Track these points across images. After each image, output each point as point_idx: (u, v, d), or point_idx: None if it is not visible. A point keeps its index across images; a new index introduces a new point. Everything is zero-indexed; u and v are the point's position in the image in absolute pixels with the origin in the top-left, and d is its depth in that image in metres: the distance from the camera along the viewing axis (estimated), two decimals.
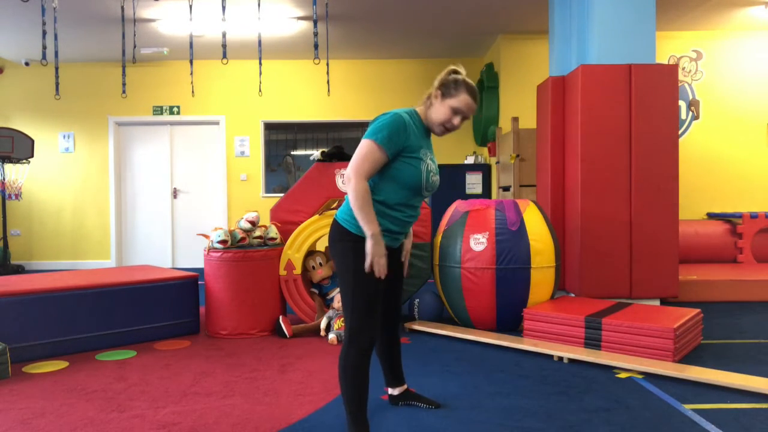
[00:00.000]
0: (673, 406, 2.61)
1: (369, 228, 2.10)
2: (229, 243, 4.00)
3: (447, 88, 2.21)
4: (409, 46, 7.52)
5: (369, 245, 2.10)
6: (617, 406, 2.62)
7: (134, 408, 2.65)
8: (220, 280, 3.97)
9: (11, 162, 7.25)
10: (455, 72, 2.27)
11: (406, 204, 2.23)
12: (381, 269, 2.12)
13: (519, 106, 6.94)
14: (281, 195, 6.77)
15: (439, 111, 2.22)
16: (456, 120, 2.23)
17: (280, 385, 2.97)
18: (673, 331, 3.12)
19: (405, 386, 2.66)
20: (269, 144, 8.33)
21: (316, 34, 5.11)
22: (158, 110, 8.17)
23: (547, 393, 2.81)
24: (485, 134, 7.39)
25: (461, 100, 2.20)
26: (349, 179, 2.10)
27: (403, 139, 2.13)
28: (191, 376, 3.13)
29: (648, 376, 3.03)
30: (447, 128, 2.25)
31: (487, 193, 7.41)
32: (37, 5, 5.49)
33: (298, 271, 4.12)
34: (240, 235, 4.06)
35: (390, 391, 2.66)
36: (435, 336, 3.91)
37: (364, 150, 2.10)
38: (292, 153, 8.39)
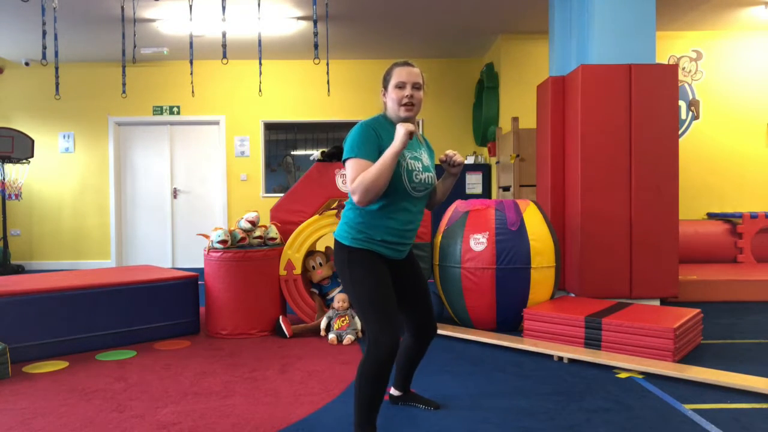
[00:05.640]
0: (673, 406, 2.61)
1: (392, 151, 2.08)
2: (229, 243, 4.00)
3: (384, 81, 2.29)
4: (409, 46, 7.52)
5: (397, 138, 2.09)
6: (617, 406, 2.62)
7: (134, 408, 2.65)
8: (220, 280, 3.97)
9: (11, 162, 7.25)
10: None
11: (399, 208, 2.21)
12: (406, 126, 2.09)
13: (519, 106, 6.94)
14: (281, 195, 6.77)
15: (390, 99, 2.25)
16: (406, 91, 2.21)
17: (280, 385, 2.97)
18: (673, 331, 3.12)
19: (408, 390, 2.68)
20: (269, 144, 8.33)
21: (316, 34, 5.11)
22: (158, 110, 8.17)
23: (547, 393, 2.81)
24: (485, 134, 7.39)
25: (396, 74, 2.24)
26: (354, 194, 2.10)
27: (377, 139, 2.16)
28: (191, 376, 3.13)
29: (648, 376, 3.03)
30: (405, 104, 2.21)
31: (487, 193, 7.41)
32: (37, 5, 5.49)
33: (298, 271, 4.12)
34: (240, 235, 4.06)
35: (392, 391, 2.67)
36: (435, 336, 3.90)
37: (352, 167, 2.13)
38: (292, 153, 8.39)
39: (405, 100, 2.21)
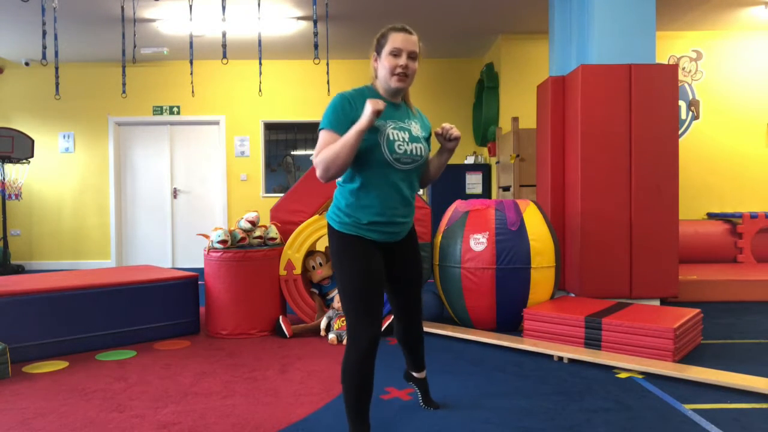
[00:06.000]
0: (673, 406, 2.61)
1: (356, 128, 1.97)
2: (229, 243, 4.00)
3: (378, 45, 2.14)
4: None
5: (363, 115, 1.98)
6: (617, 406, 2.62)
7: (134, 408, 2.65)
8: (220, 280, 3.97)
9: (11, 162, 7.25)
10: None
11: (383, 183, 2.10)
12: (374, 104, 1.97)
13: (519, 106, 6.94)
14: (281, 195, 6.77)
15: (383, 66, 2.12)
16: (401, 60, 2.08)
17: (280, 385, 2.97)
18: (673, 331, 3.12)
19: (424, 375, 2.61)
20: (269, 144, 8.33)
21: (316, 34, 5.11)
22: (158, 110, 8.17)
23: (547, 393, 2.81)
24: (485, 134, 7.39)
25: (393, 40, 2.09)
26: (317, 167, 2.04)
27: (350, 113, 2.06)
28: (191, 376, 3.13)
29: (648, 376, 3.03)
30: (398, 74, 2.10)
31: (487, 193, 7.41)
32: (37, 5, 5.49)
33: (298, 271, 4.12)
34: (240, 235, 4.06)
35: (409, 369, 2.63)
36: (435, 336, 3.91)
37: (320, 139, 2.07)
38: (292, 153, 8.39)
39: (398, 70, 2.09)
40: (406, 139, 2.13)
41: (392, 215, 2.16)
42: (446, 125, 2.21)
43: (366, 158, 2.08)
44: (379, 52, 2.14)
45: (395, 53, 2.09)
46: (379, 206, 2.13)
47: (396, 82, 2.12)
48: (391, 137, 2.10)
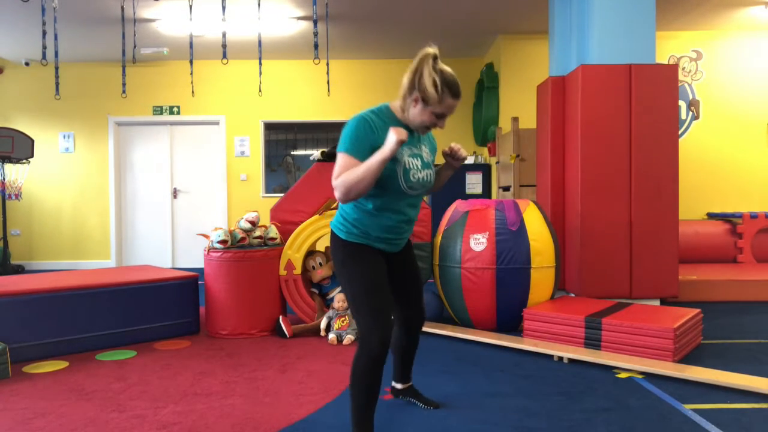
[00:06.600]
0: (673, 406, 2.61)
1: (379, 157, 1.97)
2: (229, 243, 4.00)
3: (425, 93, 2.08)
4: (409, 46, 7.51)
5: (387, 144, 1.98)
6: (617, 406, 2.62)
7: (134, 408, 2.65)
8: (220, 280, 3.97)
9: (11, 162, 7.24)
10: (434, 61, 2.13)
11: (394, 209, 2.16)
12: (399, 133, 1.96)
13: (519, 106, 6.94)
14: (281, 195, 6.77)
15: (422, 114, 2.11)
16: (440, 123, 2.15)
17: (280, 385, 2.97)
18: (673, 331, 3.12)
19: (410, 383, 2.67)
20: (269, 144, 8.33)
21: (316, 34, 5.12)
22: (158, 110, 8.17)
23: (547, 393, 2.81)
24: (485, 134, 7.39)
25: (446, 105, 2.10)
26: (336, 190, 2.06)
27: (371, 138, 2.06)
28: (191, 376, 3.13)
29: (648, 376, 3.03)
30: (430, 128, 2.17)
31: (487, 193, 7.41)
32: (37, 5, 5.49)
33: (298, 271, 4.12)
34: (240, 235, 4.06)
35: (394, 384, 2.67)
36: (435, 336, 3.91)
37: (340, 162, 2.08)
38: (292, 153, 8.39)
39: (433, 127, 2.17)
40: (419, 167, 2.17)
41: (399, 232, 2.24)
42: (455, 145, 2.27)
43: (382, 185, 2.11)
44: (424, 99, 2.08)
45: (440, 116, 2.13)
46: (389, 226, 2.19)
47: (423, 133, 2.20)
48: (407, 166, 2.13)
